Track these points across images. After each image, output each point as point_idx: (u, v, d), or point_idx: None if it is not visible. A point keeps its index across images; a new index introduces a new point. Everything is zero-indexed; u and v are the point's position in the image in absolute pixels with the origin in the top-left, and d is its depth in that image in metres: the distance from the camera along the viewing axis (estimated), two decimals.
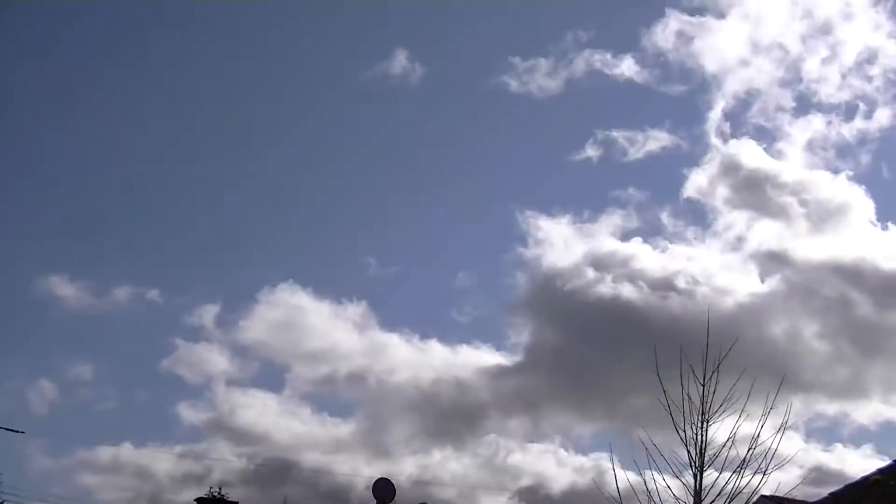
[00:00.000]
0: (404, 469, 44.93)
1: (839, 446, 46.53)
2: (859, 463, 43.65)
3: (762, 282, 50.85)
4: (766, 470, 15.99)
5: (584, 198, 67.53)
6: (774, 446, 15.96)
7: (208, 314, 54.88)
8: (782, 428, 16.16)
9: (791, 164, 56.46)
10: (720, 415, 16.32)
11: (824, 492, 17.99)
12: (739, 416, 16.24)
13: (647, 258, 51.50)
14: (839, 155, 60.52)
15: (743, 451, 16.12)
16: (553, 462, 47.13)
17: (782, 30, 60.88)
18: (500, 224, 64.42)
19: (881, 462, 17.99)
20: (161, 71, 65.04)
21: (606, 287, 48.73)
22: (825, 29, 62.06)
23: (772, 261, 51.45)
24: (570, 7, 66.68)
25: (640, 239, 57.45)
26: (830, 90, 60.44)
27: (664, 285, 47.38)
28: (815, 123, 60.02)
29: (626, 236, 59.09)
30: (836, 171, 61.32)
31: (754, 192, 53.55)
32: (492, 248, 67.35)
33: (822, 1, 59.92)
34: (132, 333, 58.87)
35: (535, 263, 56.18)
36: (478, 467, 47.14)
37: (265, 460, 44.44)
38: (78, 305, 57.24)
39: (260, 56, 66.32)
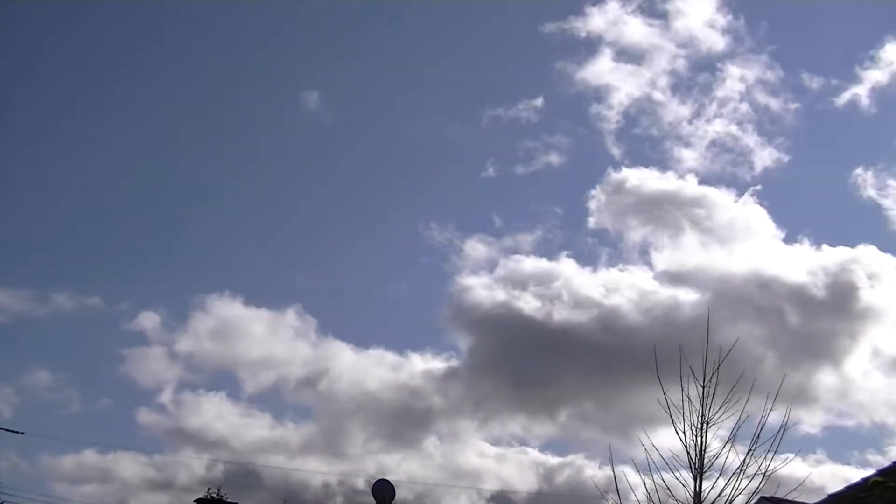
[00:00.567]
0: (366, 469, 46.19)
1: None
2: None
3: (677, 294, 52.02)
4: (766, 472, 16.04)
5: (502, 214, 67.56)
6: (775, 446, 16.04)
7: (150, 321, 55.20)
8: (782, 430, 16.23)
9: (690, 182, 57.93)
10: (720, 416, 16.36)
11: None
12: (739, 418, 16.29)
13: (564, 272, 53.67)
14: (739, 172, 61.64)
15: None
16: (511, 462, 48.96)
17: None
18: (420, 238, 64.50)
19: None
20: (98, 77, 65.73)
21: (527, 301, 50.74)
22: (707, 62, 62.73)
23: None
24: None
25: (562, 253, 59.27)
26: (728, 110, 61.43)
27: (583, 299, 50.32)
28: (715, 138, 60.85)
29: (543, 252, 61.14)
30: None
31: (656, 209, 55.28)
32: (418, 261, 67.47)
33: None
34: (75, 339, 59.10)
35: (458, 275, 58.66)
36: (436, 468, 48.28)
37: (227, 464, 44.87)
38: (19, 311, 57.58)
39: (194, 69, 66.56)
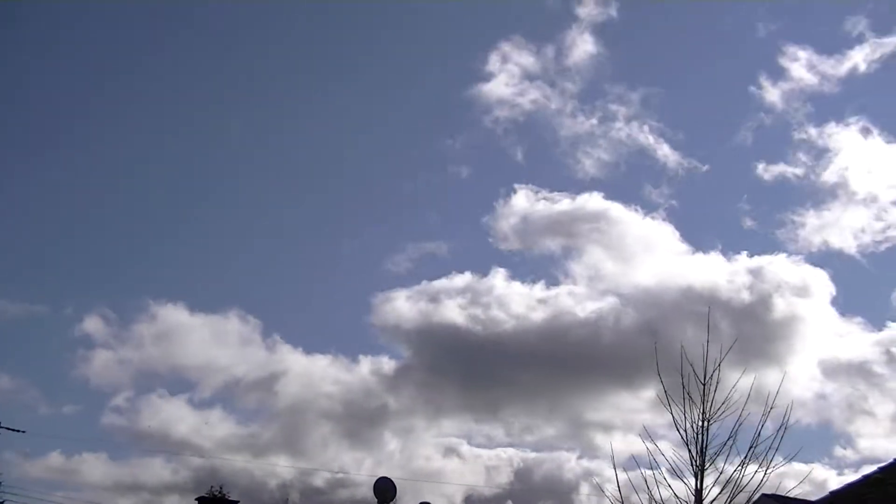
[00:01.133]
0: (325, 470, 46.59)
1: None
2: None
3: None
4: (767, 469, 16.06)
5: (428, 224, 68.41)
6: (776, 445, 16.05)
7: (95, 326, 55.56)
8: (783, 426, 16.23)
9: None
10: (721, 414, 16.38)
11: None
12: (740, 416, 16.29)
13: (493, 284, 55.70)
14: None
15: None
16: (469, 459, 50.30)
17: None
18: (351, 246, 66.54)
19: None
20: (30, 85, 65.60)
21: (451, 310, 53.39)
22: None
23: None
24: None
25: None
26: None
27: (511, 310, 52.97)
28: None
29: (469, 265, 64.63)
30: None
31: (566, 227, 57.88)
32: (355, 269, 68.25)
33: None
34: (24, 344, 58.94)
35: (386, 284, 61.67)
36: (395, 466, 49.31)
37: (189, 466, 45.54)
38: None
39: (138, 72, 67.07)
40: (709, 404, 16.41)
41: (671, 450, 16.48)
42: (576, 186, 65.77)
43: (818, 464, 42.11)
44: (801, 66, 60.94)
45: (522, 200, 58.33)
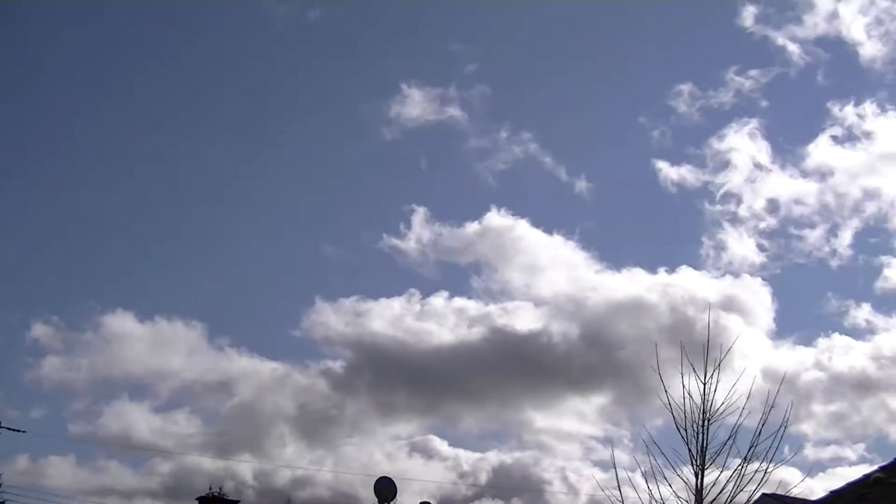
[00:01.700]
0: (285, 472, 48.10)
1: None
2: None
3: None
4: (768, 468, 16.05)
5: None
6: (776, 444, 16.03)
7: (43, 332, 56.88)
8: (783, 426, 16.23)
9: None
10: (721, 413, 16.36)
11: None
12: (740, 415, 16.28)
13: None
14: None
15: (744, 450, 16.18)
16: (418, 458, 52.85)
17: None
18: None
19: None
20: None
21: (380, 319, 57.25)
22: None
23: None
24: None
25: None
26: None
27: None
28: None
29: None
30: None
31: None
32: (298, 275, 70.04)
33: None
34: None
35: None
36: (349, 467, 51.72)
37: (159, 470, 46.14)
38: None
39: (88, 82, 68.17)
40: (709, 404, 16.43)
41: (672, 450, 16.50)
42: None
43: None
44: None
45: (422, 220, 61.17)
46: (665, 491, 16.29)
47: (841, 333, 61.23)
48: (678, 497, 16.30)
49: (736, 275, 60.81)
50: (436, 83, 73.24)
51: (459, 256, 62.50)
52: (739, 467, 16.05)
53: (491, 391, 53.45)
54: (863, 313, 59.73)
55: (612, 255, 72.30)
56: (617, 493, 16.70)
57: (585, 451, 54.55)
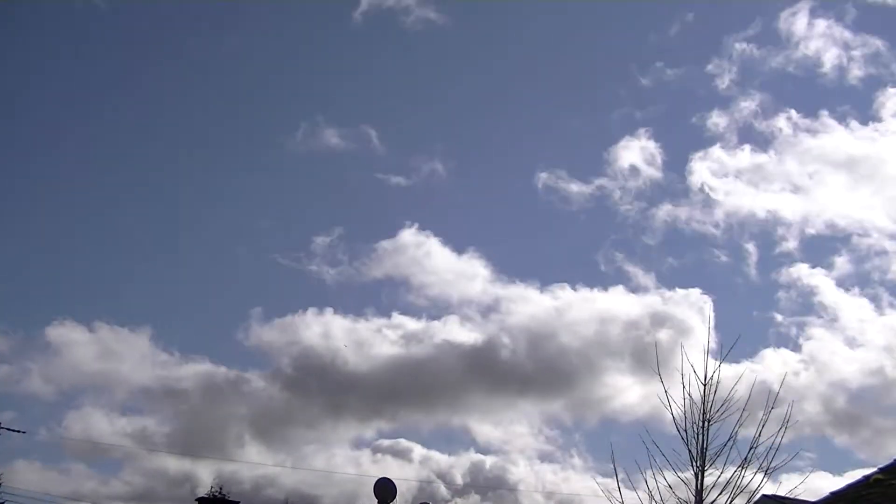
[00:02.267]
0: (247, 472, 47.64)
1: None
2: None
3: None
4: (768, 469, 16.08)
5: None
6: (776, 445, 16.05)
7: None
8: (783, 426, 16.24)
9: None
10: (722, 414, 16.39)
11: None
12: (741, 416, 16.31)
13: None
14: None
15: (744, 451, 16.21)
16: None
17: None
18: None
19: None
20: None
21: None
22: None
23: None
24: None
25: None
26: None
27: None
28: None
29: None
30: None
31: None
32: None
33: None
34: None
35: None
36: (309, 470, 51.13)
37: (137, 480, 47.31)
38: None
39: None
40: (709, 404, 16.46)
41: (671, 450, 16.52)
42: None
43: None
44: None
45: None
46: (665, 492, 16.35)
47: None
48: (678, 498, 16.34)
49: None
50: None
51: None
52: (739, 468, 16.10)
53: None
54: None
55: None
56: (617, 493, 16.74)
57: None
